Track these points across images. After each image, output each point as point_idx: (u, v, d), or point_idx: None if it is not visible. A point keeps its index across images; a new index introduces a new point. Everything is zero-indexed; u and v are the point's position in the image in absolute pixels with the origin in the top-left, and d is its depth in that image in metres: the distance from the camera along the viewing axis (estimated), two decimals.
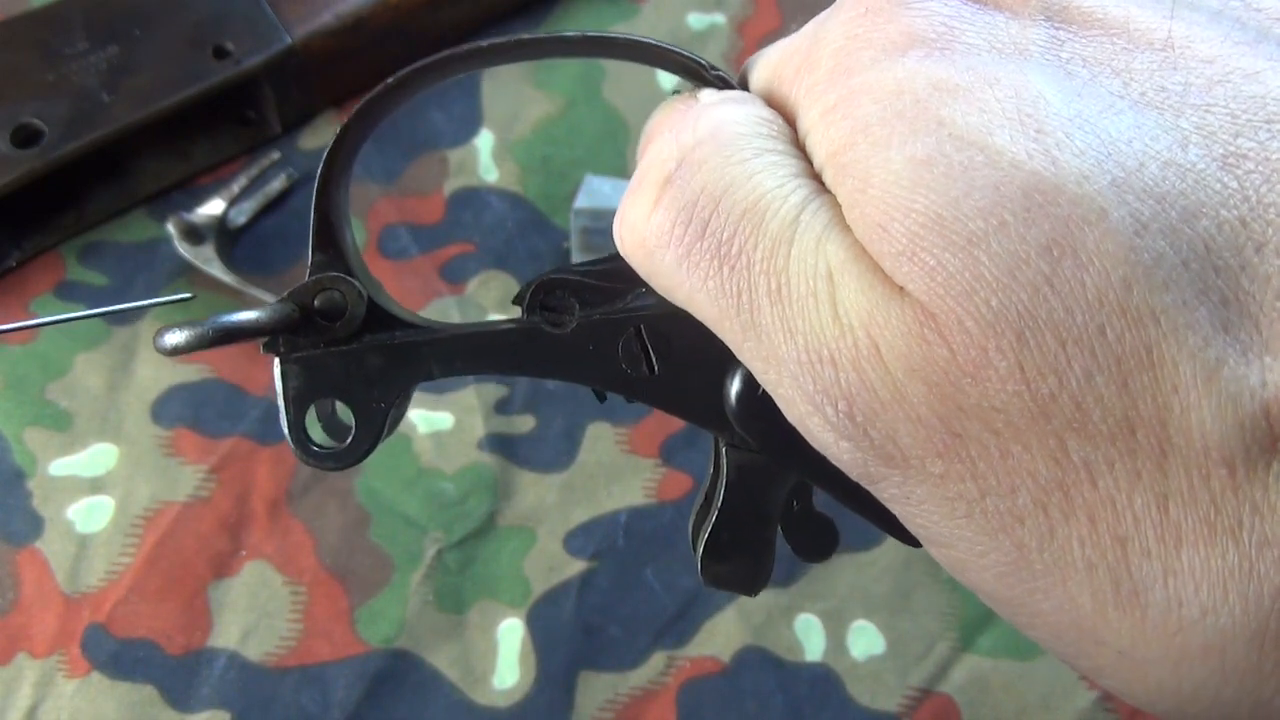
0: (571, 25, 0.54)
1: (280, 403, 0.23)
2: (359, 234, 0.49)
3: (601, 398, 0.24)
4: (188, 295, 0.29)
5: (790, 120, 0.21)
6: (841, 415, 0.18)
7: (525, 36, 0.23)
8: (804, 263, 0.19)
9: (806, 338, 0.19)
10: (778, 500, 0.24)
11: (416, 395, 0.26)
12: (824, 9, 0.21)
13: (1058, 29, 0.19)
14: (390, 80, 0.23)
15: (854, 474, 0.20)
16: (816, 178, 0.20)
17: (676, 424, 0.46)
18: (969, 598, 0.43)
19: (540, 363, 0.23)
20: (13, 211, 0.46)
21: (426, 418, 0.46)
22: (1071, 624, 0.18)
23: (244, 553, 0.43)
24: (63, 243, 0.48)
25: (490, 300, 0.48)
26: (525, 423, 0.46)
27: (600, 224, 0.47)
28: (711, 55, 0.53)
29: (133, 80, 0.46)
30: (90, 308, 0.47)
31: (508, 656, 0.43)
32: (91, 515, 0.44)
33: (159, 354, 0.22)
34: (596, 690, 0.42)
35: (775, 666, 0.43)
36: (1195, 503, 0.17)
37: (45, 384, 0.46)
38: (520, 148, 0.51)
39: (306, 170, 0.50)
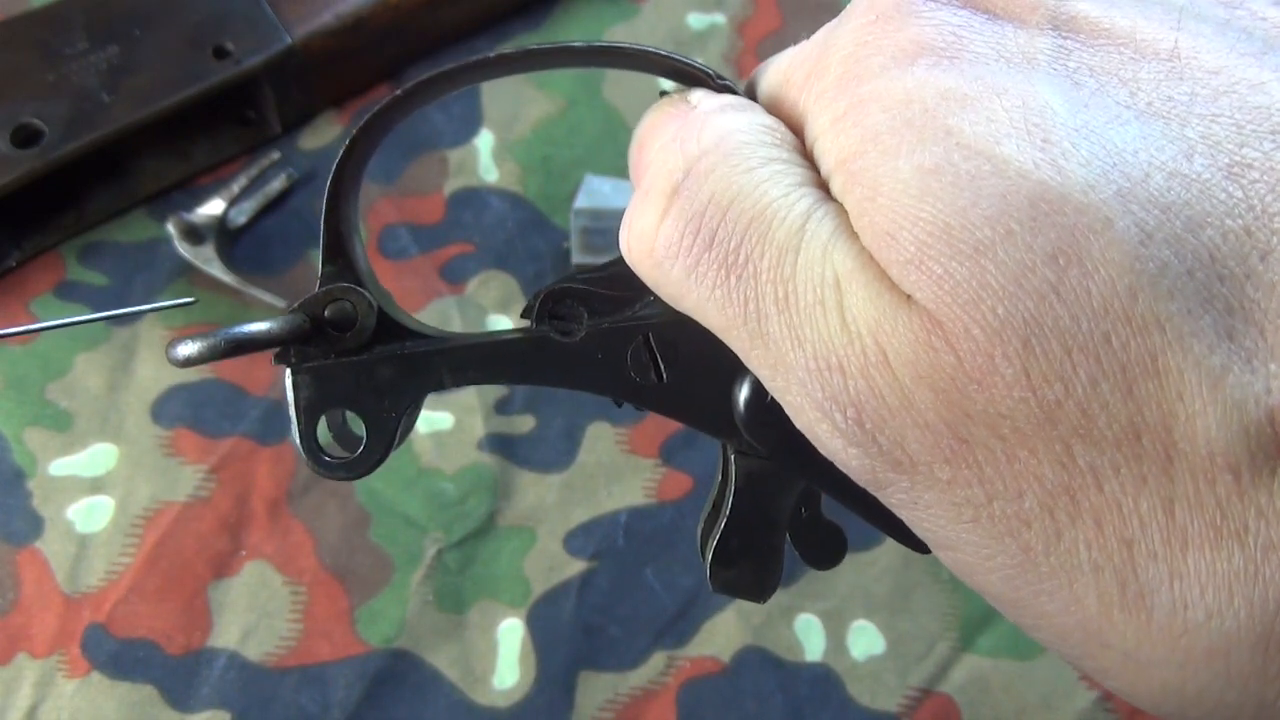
0: (571, 25, 0.54)
1: (291, 413, 0.23)
2: None
3: (619, 403, 0.24)
4: (190, 299, 0.29)
5: (798, 127, 0.21)
6: (850, 422, 0.19)
7: (534, 47, 0.23)
8: (811, 271, 0.19)
9: (815, 345, 0.19)
10: (786, 507, 0.24)
11: None
12: (823, 9, 0.21)
13: (1065, 39, 0.19)
14: (398, 92, 0.23)
15: (862, 480, 0.20)
16: (822, 186, 0.20)
17: (676, 424, 0.45)
18: (969, 598, 0.43)
19: (550, 372, 0.23)
20: (13, 211, 0.46)
21: (426, 418, 0.46)
22: (1077, 625, 0.18)
23: (244, 553, 0.43)
24: (63, 243, 0.48)
25: (490, 300, 0.48)
26: (525, 423, 0.46)
27: (600, 224, 0.47)
28: (711, 55, 0.53)
29: (133, 80, 0.46)
30: (90, 308, 0.47)
31: (508, 656, 0.43)
32: (91, 515, 0.44)
33: (170, 363, 0.22)
34: (596, 690, 0.42)
35: (775, 666, 0.43)
36: (1201, 507, 0.17)
37: (45, 384, 0.45)
38: (520, 148, 0.51)
39: (306, 170, 0.50)
